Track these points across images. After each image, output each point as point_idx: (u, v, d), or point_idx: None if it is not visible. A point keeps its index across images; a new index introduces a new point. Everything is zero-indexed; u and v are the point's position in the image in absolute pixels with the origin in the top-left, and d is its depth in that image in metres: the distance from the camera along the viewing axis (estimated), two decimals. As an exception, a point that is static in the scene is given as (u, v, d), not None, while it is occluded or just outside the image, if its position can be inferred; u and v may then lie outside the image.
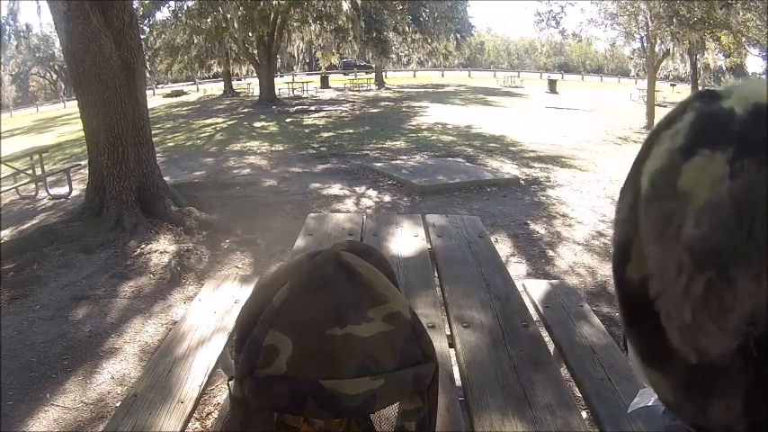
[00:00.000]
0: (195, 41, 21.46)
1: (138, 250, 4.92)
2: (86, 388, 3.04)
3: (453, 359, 1.63)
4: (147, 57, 14.94)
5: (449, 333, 1.75)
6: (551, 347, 1.95)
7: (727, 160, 0.31)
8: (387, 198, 6.87)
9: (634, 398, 0.57)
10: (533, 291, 2.40)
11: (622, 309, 0.40)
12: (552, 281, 2.81)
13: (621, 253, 0.38)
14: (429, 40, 29.14)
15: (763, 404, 0.32)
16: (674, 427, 0.41)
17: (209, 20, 19.93)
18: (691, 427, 0.38)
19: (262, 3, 18.70)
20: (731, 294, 0.31)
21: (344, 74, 39.04)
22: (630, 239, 0.37)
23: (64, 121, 20.19)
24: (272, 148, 11.01)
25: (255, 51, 20.77)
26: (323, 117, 16.51)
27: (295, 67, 35.59)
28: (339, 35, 22.98)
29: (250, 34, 20.14)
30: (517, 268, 4.47)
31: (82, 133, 5.99)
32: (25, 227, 5.98)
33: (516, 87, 30.48)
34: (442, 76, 41.30)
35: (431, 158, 9.37)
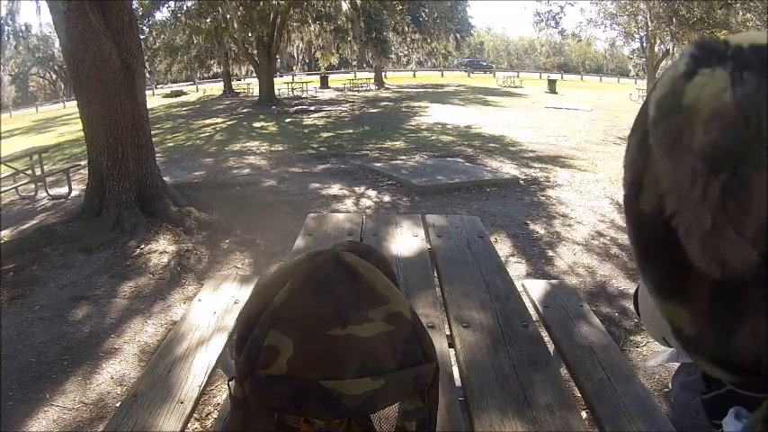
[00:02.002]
0: (195, 42, 21.50)
1: (138, 250, 4.92)
2: (86, 388, 3.04)
3: (453, 359, 1.63)
4: (146, 57, 14.92)
5: (449, 333, 1.75)
6: (551, 347, 1.95)
7: (728, 73, 0.34)
8: (386, 198, 6.86)
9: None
10: (533, 291, 2.40)
11: (637, 247, 0.41)
12: (552, 281, 2.80)
13: (633, 188, 0.40)
14: (428, 41, 29.17)
15: None
16: (688, 384, 0.41)
17: (208, 20, 19.96)
18: (712, 363, 0.38)
19: (261, 3, 18.71)
20: (747, 195, 0.32)
21: (469, 74, 41.05)
22: (641, 172, 0.38)
23: (63, 122, 20.19)
24: (272, 149, 11.01)
25: (255, 51, 20.78)
26: (322, 117, 16.51)
27: (295, 68, 35.62)
28: (339, 35, 23.02)
29: (250, 34, 20.15)
30: (517, 268, 4.47)
31: (81, 133, 5.99)
32: (25, 227, 5.97)
33: (516, 87, 30.48)
34: (442, 76, 41.34)
35: (430, 158, 9.37)
